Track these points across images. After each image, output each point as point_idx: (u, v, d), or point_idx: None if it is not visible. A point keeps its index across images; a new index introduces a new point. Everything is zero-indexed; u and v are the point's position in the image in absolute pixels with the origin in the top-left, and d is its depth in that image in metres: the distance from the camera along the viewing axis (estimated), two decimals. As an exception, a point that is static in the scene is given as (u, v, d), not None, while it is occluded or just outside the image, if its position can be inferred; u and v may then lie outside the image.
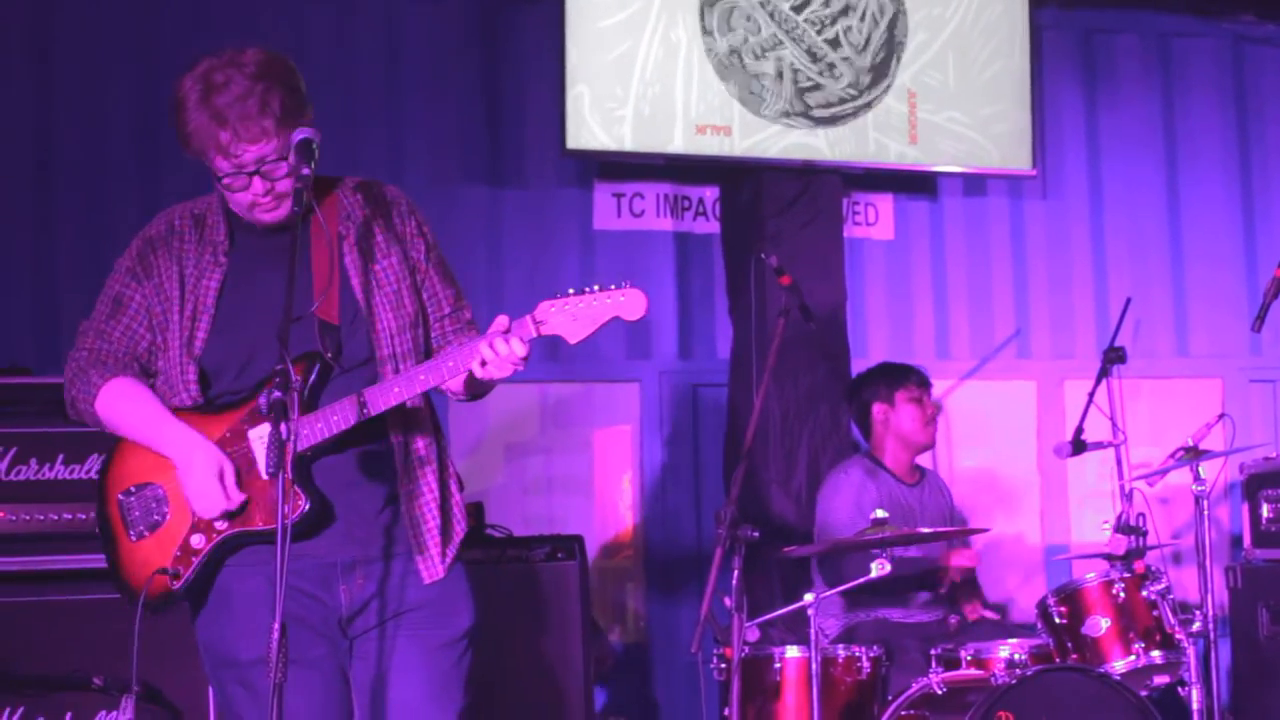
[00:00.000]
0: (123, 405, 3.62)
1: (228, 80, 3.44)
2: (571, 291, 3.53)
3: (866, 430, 6.51)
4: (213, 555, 3.56)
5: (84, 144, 6.45)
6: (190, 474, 3.52)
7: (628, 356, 7.06)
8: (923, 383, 6.46)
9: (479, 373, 3.50)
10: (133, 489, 3.62)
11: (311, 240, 3.63)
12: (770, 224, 6.92)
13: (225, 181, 3.52)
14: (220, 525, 3.54)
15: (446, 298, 3.79)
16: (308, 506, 3.52)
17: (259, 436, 3.53)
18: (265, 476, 3.19)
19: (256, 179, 3.51)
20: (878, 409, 6.42)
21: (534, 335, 3.50)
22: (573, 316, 3.50)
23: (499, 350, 3.47)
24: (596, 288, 3.51)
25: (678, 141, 6.87)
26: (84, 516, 5.16)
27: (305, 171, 3.41)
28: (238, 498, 3.50)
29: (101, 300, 3.70)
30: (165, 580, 3.54)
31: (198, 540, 3.55)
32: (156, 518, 3.59)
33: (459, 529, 3.77)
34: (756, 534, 4.98)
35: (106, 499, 3.66)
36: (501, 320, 3.50)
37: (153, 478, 3.60)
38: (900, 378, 6.43)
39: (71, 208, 6.40)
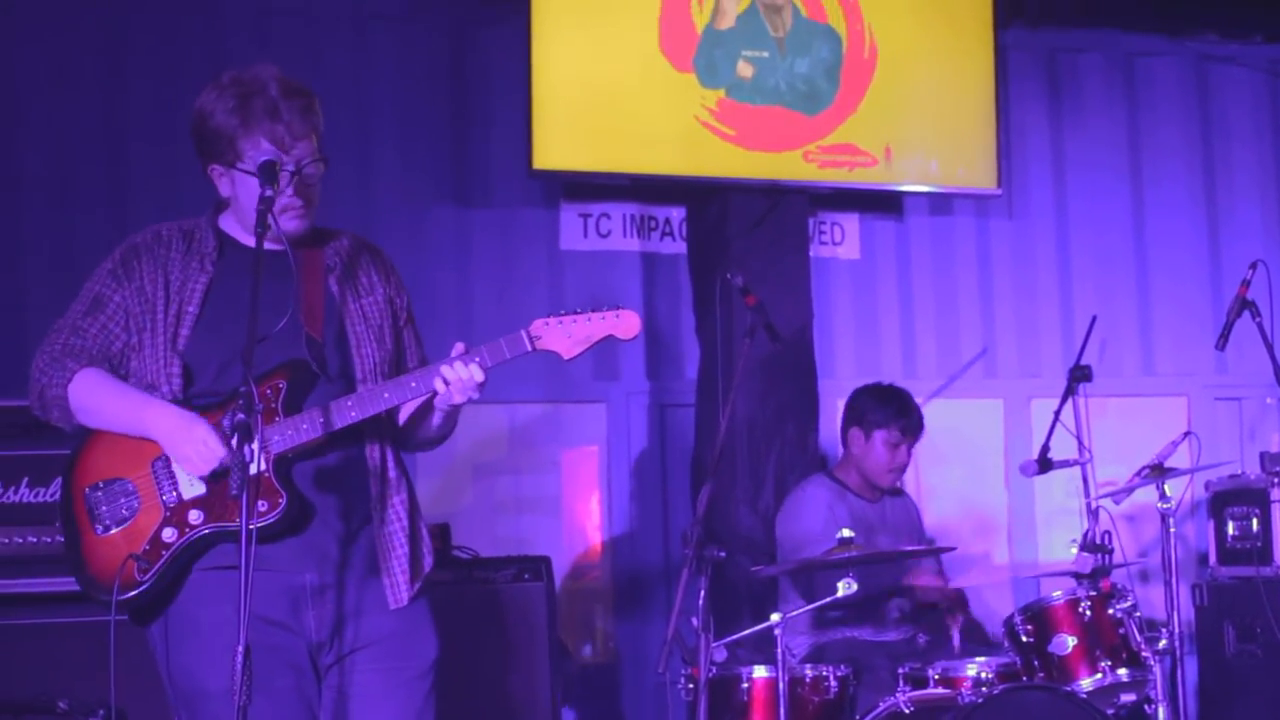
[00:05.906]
0: (100, 392, 3.62)
1: (267, 83, 3.62)
2: (564, 311, 3.67)
3: (845, 441, 6.50)
4: (183, 553, 3.54)
5: (51, 171, 6.41)
6: (183, 438, 3.51)
7: (595, 377, 7.04)
8: (908, 430, 6.32)
9: (440, 391, 3.61)
10: (100, 484, 3.60)
11: (303, 266, 3.70)
12: (736, 244, 6.90)
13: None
14: (195, 519, 3.54)
15: (417, 355, 3.92)
16: (285, 502, 3.54)
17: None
18: (232, 495, 3.18)
19: (296, 180, 3.62)
20: (854, 434, 6.40)
21: (529, 349, 3.65)
22: (567, 333, 3.66)
23: (459, 373, 3.59)
24: (590, 309, 3.67)
25: (644, 162, 6.88)
26: (50, 540, 5.14)
27: (268, 193, 3.48)
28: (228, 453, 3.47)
29: (79, 299, 3.72)
30: (132, 568, 3.50)
31: (169, 534, 3.54)
32: (125, 512, 3.57)
33: (427, 561, 3.82)
34: (723, 554, 4.98)
35: (72, 493, 3.62)
36: (458, 346, 3.64)
37: (122, 473, 3.60)
38: (886, 418, 6.30)
39: (39, 233, 6.35)
